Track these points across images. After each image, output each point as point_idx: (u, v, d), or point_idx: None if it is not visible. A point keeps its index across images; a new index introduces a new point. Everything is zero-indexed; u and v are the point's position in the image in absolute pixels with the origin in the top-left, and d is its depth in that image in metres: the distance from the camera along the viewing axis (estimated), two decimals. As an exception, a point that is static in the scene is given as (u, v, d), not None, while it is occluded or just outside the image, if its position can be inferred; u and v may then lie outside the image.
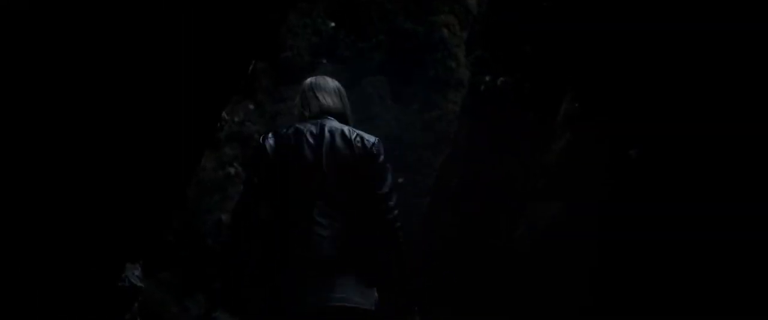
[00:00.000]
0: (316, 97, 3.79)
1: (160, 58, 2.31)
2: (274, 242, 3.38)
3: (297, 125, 3.66)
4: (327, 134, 3.54)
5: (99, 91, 2.23)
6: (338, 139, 3.54)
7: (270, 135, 3.65)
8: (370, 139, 3.72)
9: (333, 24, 7.48)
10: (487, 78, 5.11)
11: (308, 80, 4.03)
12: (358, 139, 3.63)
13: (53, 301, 2.26)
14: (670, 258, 3.45)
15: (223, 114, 6.67)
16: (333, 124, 3.66)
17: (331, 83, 3.96)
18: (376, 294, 3.44)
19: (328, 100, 3.80)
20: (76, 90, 2.16)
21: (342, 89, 3.97)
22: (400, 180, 6.78)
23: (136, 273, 2.75)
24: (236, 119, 7.26)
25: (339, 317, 3.24)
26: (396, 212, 3.60)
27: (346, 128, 3.70)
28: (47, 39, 1.98)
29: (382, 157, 3.70)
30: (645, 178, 3.62)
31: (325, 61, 7.39)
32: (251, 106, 7.33)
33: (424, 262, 5.52)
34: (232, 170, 7.04)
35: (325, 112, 3.73)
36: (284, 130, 3.67)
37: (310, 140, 3.50)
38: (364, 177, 3.55)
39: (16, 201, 2.09)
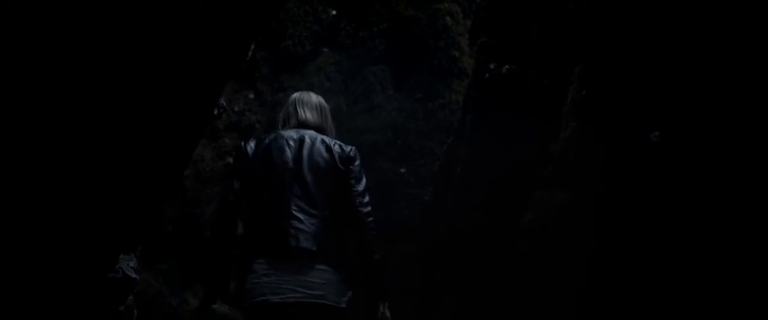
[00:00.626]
0: (297, 112, 4.03)
1: (151, 39, 2.22)
2: (252, 236, 3.57)
3: (279, 132, 3.88)
4: (307, 139, 3.80)
5: (84, 73, 2.14)
6: (318, 144, 3.80)
7: (251, 140, 3.89)
8: (348, 146, 3.99)
9: (334, 12, 7.40)
10: (492, 65, 5.01)
11: (294, 95, 4.23)
12: (336, 144, 3.89)
13: (39, 293, 2.19)
14: (682, 253, 3.34)
15: (222, 102, 6.60)
16: (313, 134, 3.89)
17: (314, 99, 4.16)
18: (350, 293, 3.65)
19: (308, 114, 4.02)
20: (60, 72, 2.08)
21: (324, 105, 4.19)
22: (402, 170, 6.71)
23: (132, 264, 2.68)
24: (236, 108, 7.18)
25: (314, 313, 3.42)
26: (370, 208, 3.83)
27: (325, 137, 3.95)
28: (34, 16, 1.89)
29: (358, 162, 3.94)
30: (655, 168, 3.51)
31: (326, 49, 7.31)
32: (251, 96, 7.25)
33: (427, 252, 5.44)
34: (231, 160, 6.95)
35: (303, 125, 3.96)
36: (265, 137, 3.87)
37: (291, 143, 3.74)
38: (341, 179, 3.78)
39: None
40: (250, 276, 3.47)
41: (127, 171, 2.45)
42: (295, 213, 3.52)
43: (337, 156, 3.80)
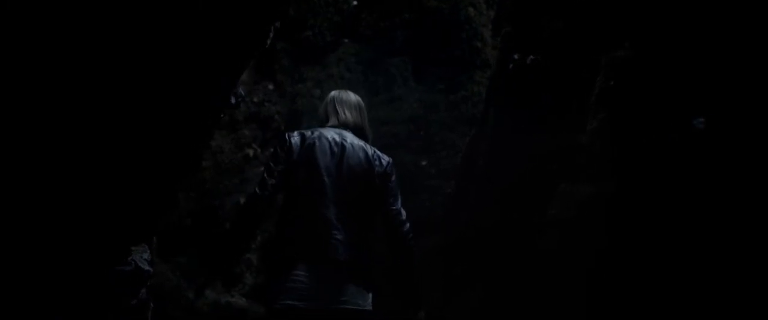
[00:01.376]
0: (337, 111, 4.06)
1: (165, 25, 2.13)
2: (290, 238, 3.63)
3: (321, 130, 3.89)
4: (349, 146, 3.83)
5: (96, 57, 2.06)
6: (360, 153, 3.84)
7: (296, 132, 3.88)
8: (386, 158, 4.00)
9: (355, 2, 7.29)
10: (516, 56, 4.89)
11: (332, 93, 4.26)
12: (376, 157, 3.91)
13: (45, 286, 2.11)
14: (715, 251, 3.22)
15: (240, 90, 6.50)
16: (354, 139, 3.92)
17: (353, 98, 4.20)
18: (371, 295, 3.75)
19: (349, 114, 4.06)
20: (71, 59, 2.00)
21: (362, 104, 4.21)
22: (424, 162, 6.61)
23: (145, 255, 2.59)
24: (255, 99, 7.09)
25: (346, 317, 3.56)
26: (408, 225, 3.99)
27: (367, 145, 3.98)
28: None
29: (394, 177, 3.97)
30: (696, 158, 3.38)
31: (346, 40, 7.21)
32: (271, 87, 7.17)
33: (450, 245, 5.33)
34: (250, 152, 6.88)
35: (344, 125, 4.00)
36: (309, 133, 3.87)
37: (334, 148, 3.78)
38: (377, 192, 3.85)
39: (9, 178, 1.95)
40: (285, 277, 3.53)
41: (136, 157, 2.36)
42: (335, 222, 3.62)
43: (375, 170, 3.85)
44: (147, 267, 2.73)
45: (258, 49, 2.76)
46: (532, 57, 4.77)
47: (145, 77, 2.22)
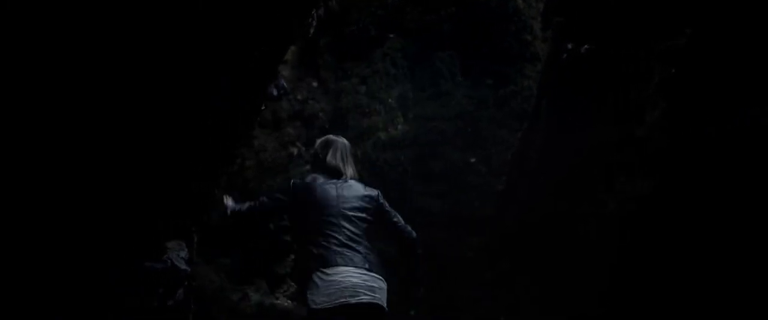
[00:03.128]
0: (325, 155, 4.64)
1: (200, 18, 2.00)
2: (315, 255, 4.19)
3: (317, 176, 4.53)
4: (345, 185, 4.48)
5: (128, 52, 1.94)
6: (356, 188, 4.49)
7: (295, 181, 4.58)
8: (373, 191, 4.60)
9: (399, -5, 7.13)
10: (570, 46, 4.69)
11: (321, 139, 4.92)
12: (366, 194, 4.51)
13: (70, 284, 1.98)
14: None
15: (282, 82, 6.37)
16: (349, 180, 4.56)
17: (342, 143, 4.75)
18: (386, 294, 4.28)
19: (333, 159, 4.63)
20: (106, 55, 1.89)
21: (345, 146, 4.74)
22: (472, 159, 6.41)
23: (182, 254, 2.45)
24: (299, 97, 6.96)
25: (370, 311, 4.09)
26: (410, 227, 4.65)
27: (357, 183, 4.58)
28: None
29: (387, 205, 4.62)
30: (754, 154, 3.16)
31: (392, 35, 7.04)
32: (315, 84, 7.03)
33: (500, 245, 5.15)
34: (294, 150, 6.75)
35: (333, 168, 4.59)
36: (299, 180, 4.59)
37: (333, 185, 4.46)
38: (374, 216, 4.46)
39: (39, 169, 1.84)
40: (323, 282, 4.07)
41: (162, 149, 2.21)
42: (347, 243, 4.23)
43: (370, 204, 4.47)
44: (184, 267, 2.57)
45: (300, 34, 2.60)
46: (586, 46, 4.57)
47: (171, 66, 2.08)
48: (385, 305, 4.20)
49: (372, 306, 4.09)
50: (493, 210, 6.09)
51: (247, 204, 4.55)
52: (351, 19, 7.13)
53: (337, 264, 4.10)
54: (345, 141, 4.83)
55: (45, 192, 1.99)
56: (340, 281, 4.04)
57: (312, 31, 4.92)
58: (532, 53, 6.56)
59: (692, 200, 3.46)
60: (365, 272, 4.12)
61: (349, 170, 4.66)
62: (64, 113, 2.02)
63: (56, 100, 1.98)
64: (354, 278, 4.07)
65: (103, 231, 2.17)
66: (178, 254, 2.54)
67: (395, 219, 4.63)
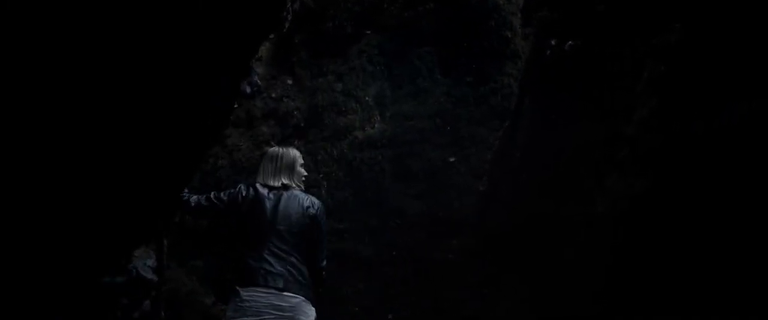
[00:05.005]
0: (266, 166, 4.83)
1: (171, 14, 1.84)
2: (236, 267, 4.45)
3: (258, 186, 4.70)
4: (287, 195, 4.66)
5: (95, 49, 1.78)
6: (293, 202, 4.64)
7: (241, 185, 4.79)
8: (316, 204, 4.76)
9: (377, -9, 6.97)
10: (553, 42, 4.57)
11: (269, 150, 5.11)
12: (308, 206, 4.67)
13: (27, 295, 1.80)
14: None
15: (256, 80, 6.21)
16: (292, 191, 4.73)
17: (285, 155, 4.89)
18: (314, 313, 4.52)
19: (274, 169, 4.81)
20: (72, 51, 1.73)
21: (292, 159, 4.87)
22: (452, 159, 6.27)
23: (149, 262, 2.27)
24: (273, 95, 6.79)
25: None
26: (325, 263, 4.77)
27: (302, 195, 4.75)
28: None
29: (323, 222, 4.76)
30: (750, 150, 3.05)
31: (368, 31, 6.89)
32: (289, 81, 6.86)
33: (482, 245, 5.02)
34: (267, 149, 6.59)
35: (272, 178, 4.76)
36: (245, 184, 4.78)
37: (271, 197, 4.63)
38: (309, 232, 4.62)
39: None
40: (237, 301, 4.32)
41: (131, 145, 2.04)
42: (268, 258, 4.41)
43: (306, 218, 4.61)
44: (151, 276, 2.40)
45: (274, 27, 2.44)
46: (570, 43, 4.46)
47: (144, 66, 1.92)
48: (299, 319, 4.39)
49: None
50: (474, 210, 5.96)
51: (194, 198, 4.66)
52: (327, 15, 6.98)
53: (251, 284, 4.33)
54: (294, 152, 5.00)
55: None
56: (249, 301, 4.30)
57: (287, 26, 4.76)
58: (512, 50, 6.43)
59: (686, 198, 3.35)
60: (276, 292, 4.32)
61: (294, 182, 4.82)
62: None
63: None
64: (262, 299, 4.30)
65: (61, 244, 1.99)
66: (144, 263, 2.37)
67: (319, 246, 4.75)
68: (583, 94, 4.24)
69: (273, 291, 4.32)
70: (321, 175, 6.58)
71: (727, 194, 3.18)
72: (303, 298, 4.44)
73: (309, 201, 4.75)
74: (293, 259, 4.50)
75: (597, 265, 3.68)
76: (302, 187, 4.90)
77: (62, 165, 1.89)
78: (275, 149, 5.05)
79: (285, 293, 4.35)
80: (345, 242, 6.38)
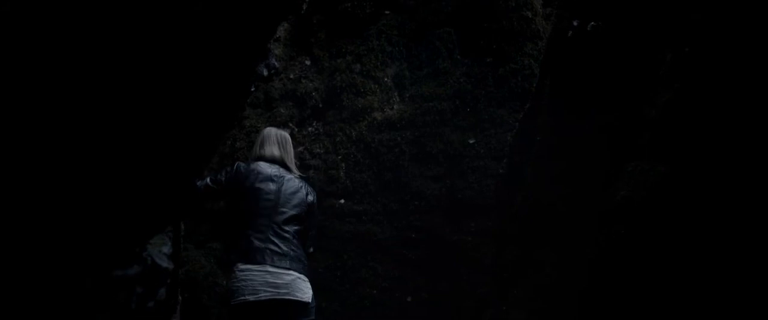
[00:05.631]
0: (263, 146, 4.97)
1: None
2: (241, 250, 4.53)
3: (260, 165, 4.82)
4: (285, 177, 4.83)
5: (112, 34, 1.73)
6: (293, 185, 4.84)
7: (240, 164, 4.82)
8: (313, 193, 5.01)
9: (396, -30, 6.89)
10: (575, 23, 4.48)
11: (263, 130, 5.12)
12: (308, 190, 4.94)
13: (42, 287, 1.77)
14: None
15: (273, 62, 6.16)
16: (285, 172, 4.91)
17: (275, 135, 5.04)
18: (311, 290, 4.64)
19: (270, 149, 4.97)
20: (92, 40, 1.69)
21: (283, 138, 5.06)
22: (472, 140, 6.21)
23: (165, 249, 2.23)
24: (291, 76, 6.74)
25: (287, 306, 4.49)
26: (312, 249, 5.00)
27: (302, 182, 4.97)
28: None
29: (317, 210, 5.04)
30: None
31: (387, 11, 6.81)
32: (307, 62, 6.81)
33: (501, 229, 4.96)
34: (287, 131, 6.55)
35: (269, 159, 4.91)
36: (254, 165, 4.81)
37: (275, 178, 4.78)
38: (306, 219, 4.85)
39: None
40: (237, 279, 4.45)
41: (149, 131, 1.99)
42: (273, 239, 4.57)
43: (304, 200, 4.84)
44: (166, 264, 2.36)
45: (291, 9, 2.38)
46: (593, 23, 4.37)
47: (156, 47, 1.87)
48: (295, 297, 4.51)
49: (276, 302, 4.46)
50: (493, 193, 5.91)
51: (199, 183, 4.57)
52: (345, -6, 6.92)
53: (252, 262, 4.48)
54: (286, 134, 5.16)
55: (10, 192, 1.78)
56: (245, 280, 4.43)
57: (305, 7, 4.70)
58: (533, 30, 6.34)
59: (709, 184, 3.28)
60: (275, 269, 4.47)
61: (293, 165, 5.03)
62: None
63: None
64: (258, 277, 4.43)
65: (79, 237, 1.95)
66: (160, 249, 2.32)
67: (311, 232, 4.96)
68: (605, 76, 4.16)
69: (269, 268, 4.48)
70: (339, 157, 6.54)
71: (749, 182, 3.11)
72: (298, 275, 4.57)
73: (308, 188, 4.97)
74: (296, 241, 4.69)
75: (617, 252, 3.62)
76: (297, 171, 5.05)
77: (79, 152, 1.86)
78: (269, 128, 5.15)
79: (280, 270, 4.50)
80: (363, 224, 6.36)
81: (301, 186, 4.91)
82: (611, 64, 4.15)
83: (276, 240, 4.58)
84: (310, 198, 4.91)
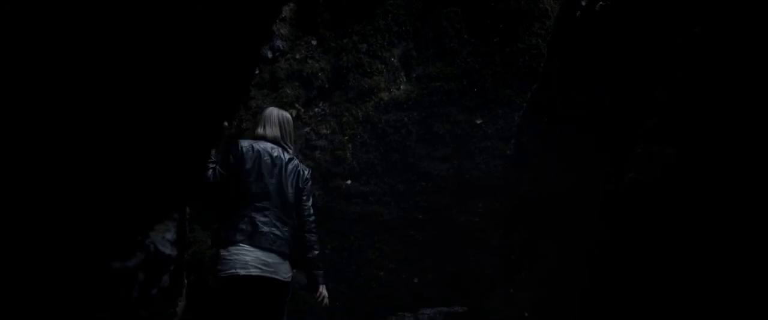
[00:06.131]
0: (264, 126, 5.07)
1: None
2: (237, 228, 4.65)
3: (261, 144, 4.90)
4: (285, 159, 4.94)
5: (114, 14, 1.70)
6: (290, 165, 4.95)
7: (244, 142, 4.88)
8: (306, 169, 5.11)
9: (403, -51, 6.82)
10: (584, 2, 4.42)
11: (265, 110, 5.23)
12: (300, 168, 5.02)
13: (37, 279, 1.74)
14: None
15: (278, 43, 6.11)
16: (282, 153, 4.97)
17: (275, 115, 5.13)
18: (293, 271, 4.84)
19: (271, 130, 5.05)
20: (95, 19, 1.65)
21: (285, 119, 5.15)
22: (479, 121, 6.17)
23: (168, 236, 2.19)
24: (297, 56, 6.69)
25: (272, 284, 4.66)
26: (315, 218, 5.03)
27: (301, 166, 5.07)
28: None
29: (310, 183, 5.09)
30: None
31: (394, -10, 6.76)
32: (314, 42, 6.76)
33: (509, 210, 4.93)
34: (293, 112, 6.51)
35: (270, 139, 4.99)
36: (254, 144, 4.88)
37: (275, 161, 4.88)
38: (298, 193, 4.96)
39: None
40: (230, 253, 4.58)
41: (152, 117, 1.95)
42: (275, 221, 4.75)
43: (301, 178, 4.98)
44: (169, 251, 2.32)
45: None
46: (601, 3, 4.31)
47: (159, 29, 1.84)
48: (282, 277, 4.70)
49: (264, 280, 4.61)
50: (500, 174, 5.87)
51: (208, 174, 4.73)
52: (351, -27, 6.85)
53: (254, 243, 4.61)
54: (288, 114, 5.24)
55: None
56: (237, 255, 4.56)
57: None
58: (541, 10, 6.28)
59: (718, 169, 3.24)
60: (263, 251, 4.61)
61: (291, 146, 5.11)
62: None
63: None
64: (251, 255, 4.56)
65: (76, 229, 1.92)
66: (163, 236, 2.29)
67: (307, 204, 5.02)
68: (614, 57, 4.11)
69: (265, 247, 4.64)
70: (346, 137, 6.51)
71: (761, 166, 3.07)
72: (285, 258, 4.76)
73: (301, 167, 5.09)
74: (290, 223, 4.85)
75: (625, 236, 3.58)
76: (294, 154, 5.14)
77: (81, 136, 1.83)
78: (271, 108, 5.24)
79: (274, 251, 4.68)
80: (370, 205, 6.34)
81: (299, 168, 5.03)
82: (620, 45, 4.10)
83: (278, 224, 4.74)
84: (310, 183, 5.07)
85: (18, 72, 1.73)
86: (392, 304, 6.12)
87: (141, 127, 1.98)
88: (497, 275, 5.02)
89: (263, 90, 6.67)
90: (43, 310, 1.90)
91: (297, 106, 6.59)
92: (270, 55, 6.42)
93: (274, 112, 5.15)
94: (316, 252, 4.98)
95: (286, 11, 6.75)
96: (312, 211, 5.03)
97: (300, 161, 5.21)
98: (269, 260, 4.63)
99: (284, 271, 4.72)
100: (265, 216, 4.72)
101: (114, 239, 2.06)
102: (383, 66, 6.55)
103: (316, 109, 6.68)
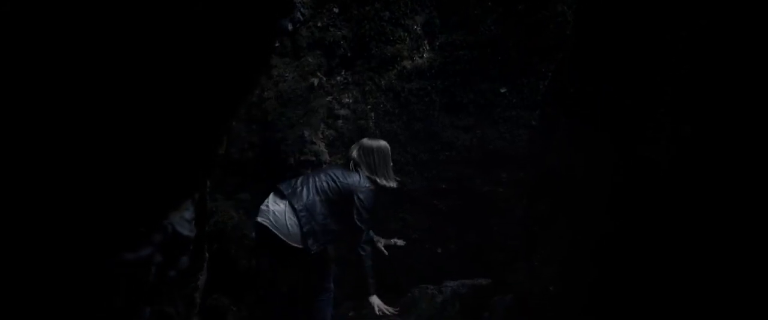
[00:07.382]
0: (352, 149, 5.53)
1: None
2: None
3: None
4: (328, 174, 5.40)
5: None
6: (337, 173, 5.38)
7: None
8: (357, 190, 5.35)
9: None
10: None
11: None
12: (345, 186, 5.30)
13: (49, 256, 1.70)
14: None
15: (298, 14, 6.03)
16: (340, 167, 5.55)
17: (369, 144, 5.51)
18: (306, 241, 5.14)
19: (353, 153, 5.48)
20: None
21: (368, 147, 5.48)
22: (503, 89, 6.09)
23: (187, 215, 2.14)
24: (319, 24, 6.62)
25: (278, 245, 5.10)
26: (365, 234, 5.32)
27: (347, 180, 5.35)
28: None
29: (361, 196, 5.31)
30: None
31: (417, -43, 6.65)
32: (335, 10, 6.67)
33: (534, 181, 4.87)
34: (315, 80, 6.46)
35: (351, 160, 5.47)
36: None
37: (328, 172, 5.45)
38: (339, 197, 5.29)
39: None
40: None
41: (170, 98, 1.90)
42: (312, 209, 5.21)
43: (332, 190, 5.29)
44: (187, 232, 2.28)
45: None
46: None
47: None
48: (281, 236, 5.05)
49: (266, 229, 5.08)
50: (525, 144, 5.80)
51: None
52: (374, -61, 6.75)
53: (277, 198, 5.20)
54: (380, 144, 5.52)
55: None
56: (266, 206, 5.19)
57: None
58: (568, -24, 6.16)
59: (735, 148, 3.15)
60: (291, 210, 5.12)
61: (364, 171, 5.39)
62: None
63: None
64: (274, 205, 5.17)
65: (91, 215, 1.89)
66: (182, 216, 2.25)
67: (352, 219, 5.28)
68: (645, 23, 4.01)
69: (291, 209, 5.18)
70: (368, 106, 6.45)
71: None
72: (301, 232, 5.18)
73: (346, 175, 5.44)
74: (321, 210, 5.28)
75: (649, 211, 3.51)
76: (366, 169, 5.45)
77: (97, 117, 1.79)
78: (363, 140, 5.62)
79: (297, 217, 5.14)
80: (393, 174, 6.30)
81: (339, 184, 5.36)
82: (647, 14, 4.00)
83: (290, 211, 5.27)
84: (357, 197, 5.33)
85: (47, 56, 1.69)
86: (414, 276, 6.10)
87: (158, 104, 1.94)
88: (520, 246, 4.97)
89: (285, 58, 6.61)
90: (50, 293, 1.88)
91: (319, 74, 6.53)
92: (290, 28, 6.35)
93: (365, 142, 5.53)
94: (365, 265, 5.25)
95: (308, -22, 6.67)
96: (359, 225, 5.22)
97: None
98: (284, 221, 5.08)
99: (295, 239, 5.08)
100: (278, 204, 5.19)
101: (131, 224, 2.03)
102: (406, 34, 6.47)
103: (339, 78, 6.62)
